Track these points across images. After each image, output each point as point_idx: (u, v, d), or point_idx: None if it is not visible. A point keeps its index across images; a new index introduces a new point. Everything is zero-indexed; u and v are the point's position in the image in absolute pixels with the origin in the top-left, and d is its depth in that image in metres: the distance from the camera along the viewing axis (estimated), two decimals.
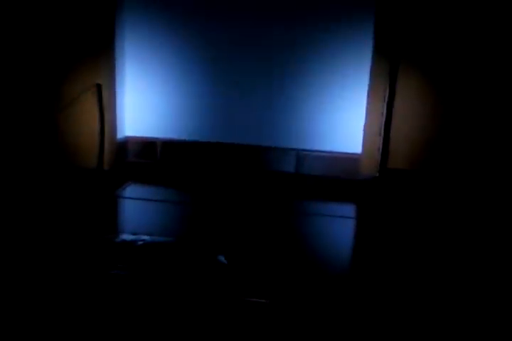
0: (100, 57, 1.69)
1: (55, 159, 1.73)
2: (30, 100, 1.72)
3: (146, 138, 1.78)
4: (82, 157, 1.73)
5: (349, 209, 1.60)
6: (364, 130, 1.63)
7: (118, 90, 1.74)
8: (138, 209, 1.53)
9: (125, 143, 1.78)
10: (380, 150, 1.64)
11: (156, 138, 1.77)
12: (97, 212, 1.48)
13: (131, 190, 1.67)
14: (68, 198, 1.55)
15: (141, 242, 0.82)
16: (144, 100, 1.77)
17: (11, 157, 1.70)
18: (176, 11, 1.70)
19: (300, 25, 1.63)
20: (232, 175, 1.73)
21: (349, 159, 1.67)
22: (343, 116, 1.66)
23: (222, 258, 0.81)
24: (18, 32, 1.70)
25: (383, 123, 1.62)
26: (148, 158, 1.78)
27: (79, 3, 1.66)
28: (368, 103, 1.61)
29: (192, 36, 1.70)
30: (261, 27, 1.65)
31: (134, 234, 0.86)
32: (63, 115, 1.71)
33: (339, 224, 1.46)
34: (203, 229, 1.35)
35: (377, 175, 1.65)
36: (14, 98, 1.72)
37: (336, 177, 1.68)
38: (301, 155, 1.69)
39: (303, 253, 1.23)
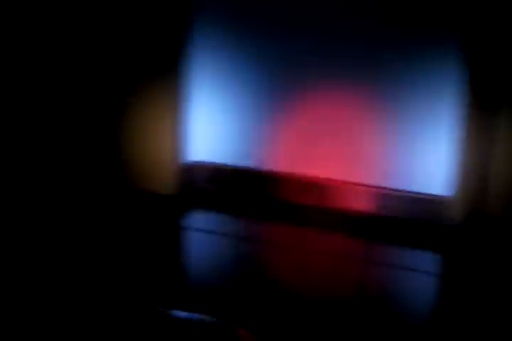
0: (167, 80, 1.60)
1: (120, 181, 1.67)
2: (94, 124, 1.67)
3: (215, 164, 1.68)
4: (148, 180, 1.66)
5: (432, 261, 1.43)
6: (457, 171, 1.46)
7: (186, 113, 1.65)
8: (200, 241, 1.44)
9: (193, 169, 1.70)
10: (474, 193, 1.47)
11: (225, 165, 1.67)
12: (158, 242, 1.39)
13: (195, 219, 1.58)
14: (130, 224, 1.48)
15: (191, 321, 0.73)
16: (213, 124, 1.67)
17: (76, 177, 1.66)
18: (248, 31, 1.59)
19: (385, 62, 1.48)
20: (300, 210, 1.60)
21: (437, 202, 1.50)
22: (433, 155, 1.50)
23: None
24: (81, 60, 1.64)
25: (479, 164, 1.44)
26: (216, 184, 1.68)
27: (145, 24, 1.58)
28: (464, 143, 1.44)
29: (264, 58, 1.59)
30: (344, 62, 1.52)
31: (187, 310, 0.78)
32: (130, 139, 1.64)
33: (420, 279, 1.31)
34: (265, 269, 1.23)
35: (468, 221, 1.48)
36: (80, 120, 1.67)
37: (421, 221, 1.52)
38: (384, 195, 1.54)
39: (379, 313, 1.09)
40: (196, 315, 0.73)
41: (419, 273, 1.33)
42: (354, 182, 1.56)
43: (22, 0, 1.60)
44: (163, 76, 1.60)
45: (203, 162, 1.69)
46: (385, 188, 1.54)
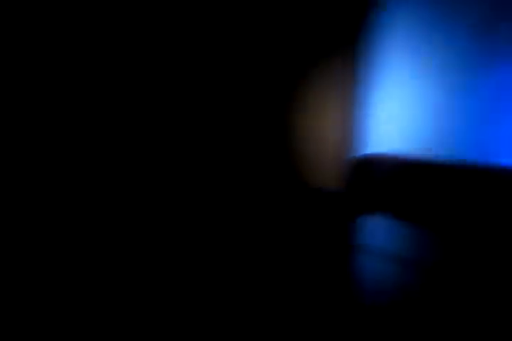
0: (340, 62, 1.36)
1: (287, 176, 1.44)
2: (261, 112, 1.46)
3: (397, 156, 1.41)
4: (315, 175, 1.42)
5: None
6: None
7: (363, 101, 1.40)
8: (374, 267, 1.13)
9: (369, 162, 1.43)
10: None
11: (410, 157, 1.39)
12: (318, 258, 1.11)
13: (365, 228, 1.29)
14: (287, 224, 1.24)
15: None
16: (396, 113, 1.40)
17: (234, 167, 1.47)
18: (428, 16, 1.33)
19: None
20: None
21: None
22: None
23: None
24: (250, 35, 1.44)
25: None
26: (400, 180, 1.41)
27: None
28: None
29: (442, 42, 1.31)
30: None
31: None
32: (297, 128, 1.41)
33: None
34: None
35: None
36: (249, 103, 1.47)
37: None
38: None
39: None
40: None
41: None
42: None
43: None
44: (335, 57, 1.36)
45: (383, 154, 1.43)
46: None
